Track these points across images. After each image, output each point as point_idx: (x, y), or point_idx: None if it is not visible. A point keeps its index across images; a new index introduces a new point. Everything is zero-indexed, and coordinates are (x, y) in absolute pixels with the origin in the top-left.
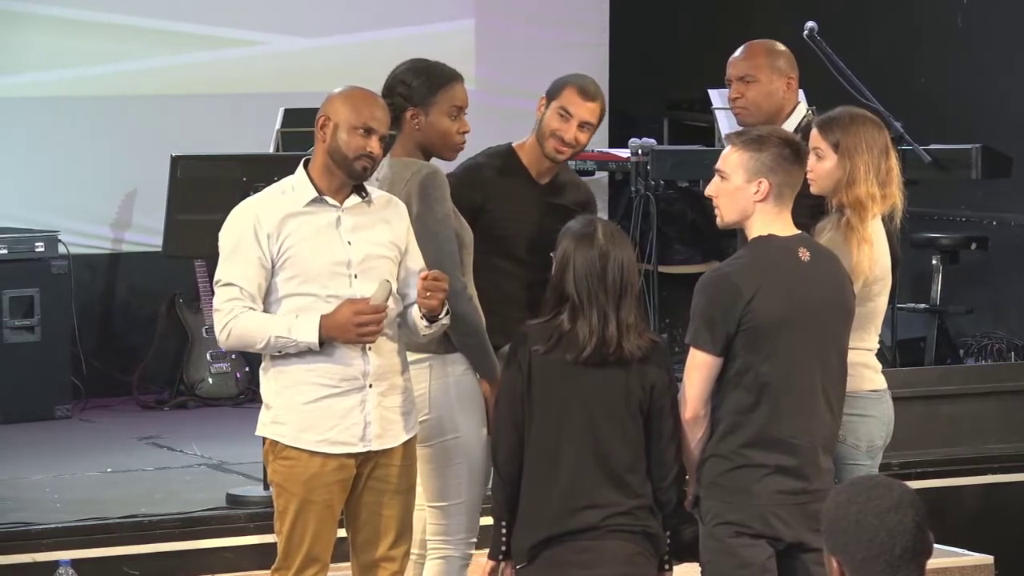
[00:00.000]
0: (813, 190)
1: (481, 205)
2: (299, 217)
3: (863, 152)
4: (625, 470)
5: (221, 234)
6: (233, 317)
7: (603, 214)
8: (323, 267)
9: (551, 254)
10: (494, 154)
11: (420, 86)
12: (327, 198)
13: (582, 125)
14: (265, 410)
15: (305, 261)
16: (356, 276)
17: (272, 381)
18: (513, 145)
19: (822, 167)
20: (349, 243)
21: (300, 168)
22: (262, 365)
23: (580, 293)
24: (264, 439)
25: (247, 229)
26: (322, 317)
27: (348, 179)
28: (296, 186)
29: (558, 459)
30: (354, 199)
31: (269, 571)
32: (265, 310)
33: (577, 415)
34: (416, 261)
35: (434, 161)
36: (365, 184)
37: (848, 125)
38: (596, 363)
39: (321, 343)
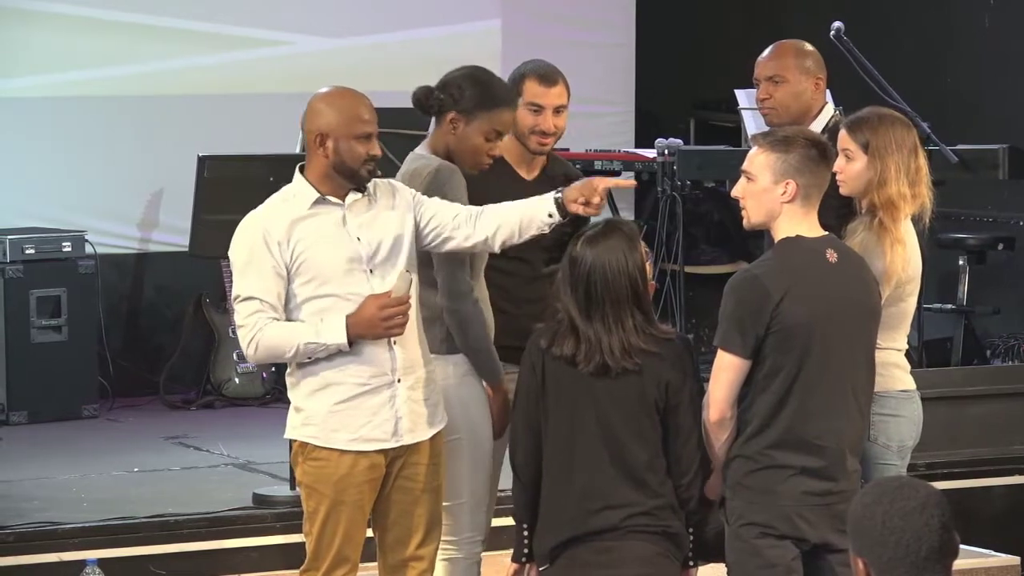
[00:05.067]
0: (843, 191)
1: None
2: (306, 220)
3: (893, 152)
4: (643, 469)
5: (231, 252)
6: (258, 330)
7: (629, 214)
8: (338, 266)
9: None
10: None
11: (472, 96)
12: (329, 198)
13: (556, 111)
14: (294, 412)
15: (319, 263)
16: (372, 271)
17: (301, 385)
18: None
19: (852, 168)
20: (358, 239)
21: (297, 174)
22: (288, 369)
23: (565, 301)
24: (292, 442)
25: (257, 241)
26: (348, 316)
27: (353, 186)
28: (297, 192)
29: (573, 460)
30: (354, 195)
31: (295, 571)
32: (287, 319)
33: (590, 415)
34: (435, 202)
35: None
36: None
37: (877, 125)
38: (597, 372)
39: (350, 342)
